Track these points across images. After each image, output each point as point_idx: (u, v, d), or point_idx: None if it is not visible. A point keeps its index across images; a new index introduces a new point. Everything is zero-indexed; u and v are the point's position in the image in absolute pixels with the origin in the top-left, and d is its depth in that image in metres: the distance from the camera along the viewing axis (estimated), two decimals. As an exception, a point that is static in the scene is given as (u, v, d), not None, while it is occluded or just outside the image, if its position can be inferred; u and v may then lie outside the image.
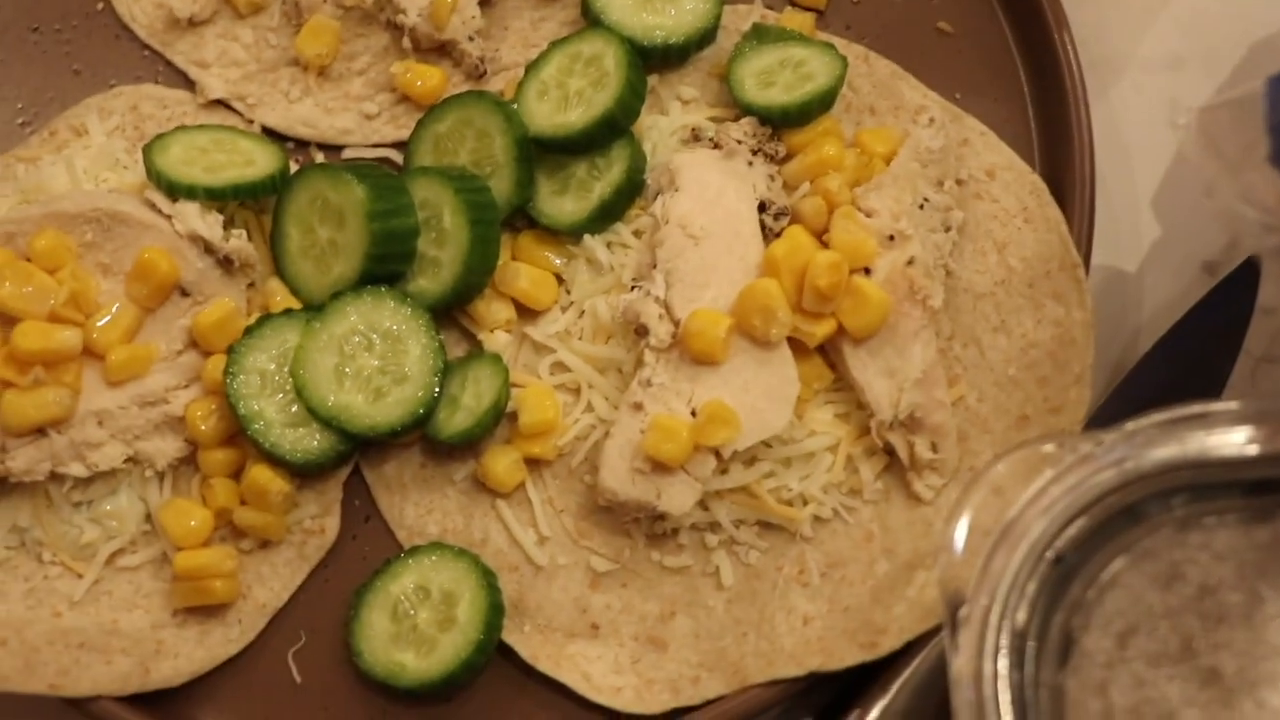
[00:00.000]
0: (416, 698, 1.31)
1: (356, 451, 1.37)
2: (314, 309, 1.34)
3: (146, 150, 1.37)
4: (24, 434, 1.31)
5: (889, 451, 1.33)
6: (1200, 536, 1.08)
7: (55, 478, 1.33)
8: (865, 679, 1.29)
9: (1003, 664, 1.03)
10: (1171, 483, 1.08)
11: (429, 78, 1.46)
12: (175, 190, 1.35)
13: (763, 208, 1.35)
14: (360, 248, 1.33)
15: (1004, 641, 1.04)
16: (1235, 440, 1.08)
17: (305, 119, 1.49)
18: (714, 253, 1.32)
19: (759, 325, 1.28)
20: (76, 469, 1.32)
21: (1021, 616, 1.05)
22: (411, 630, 1.30)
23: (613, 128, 1.37)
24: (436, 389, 1.32)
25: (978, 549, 1.07)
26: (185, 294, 1.35)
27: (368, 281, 1.34)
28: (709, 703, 1.30)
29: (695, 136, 1.41)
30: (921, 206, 1.34)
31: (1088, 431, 1.12)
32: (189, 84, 1.51)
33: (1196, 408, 1.08)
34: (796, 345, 1.31)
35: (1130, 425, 1.08)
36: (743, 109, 1.40)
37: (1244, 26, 1.50)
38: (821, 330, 1.30)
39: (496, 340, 1.38)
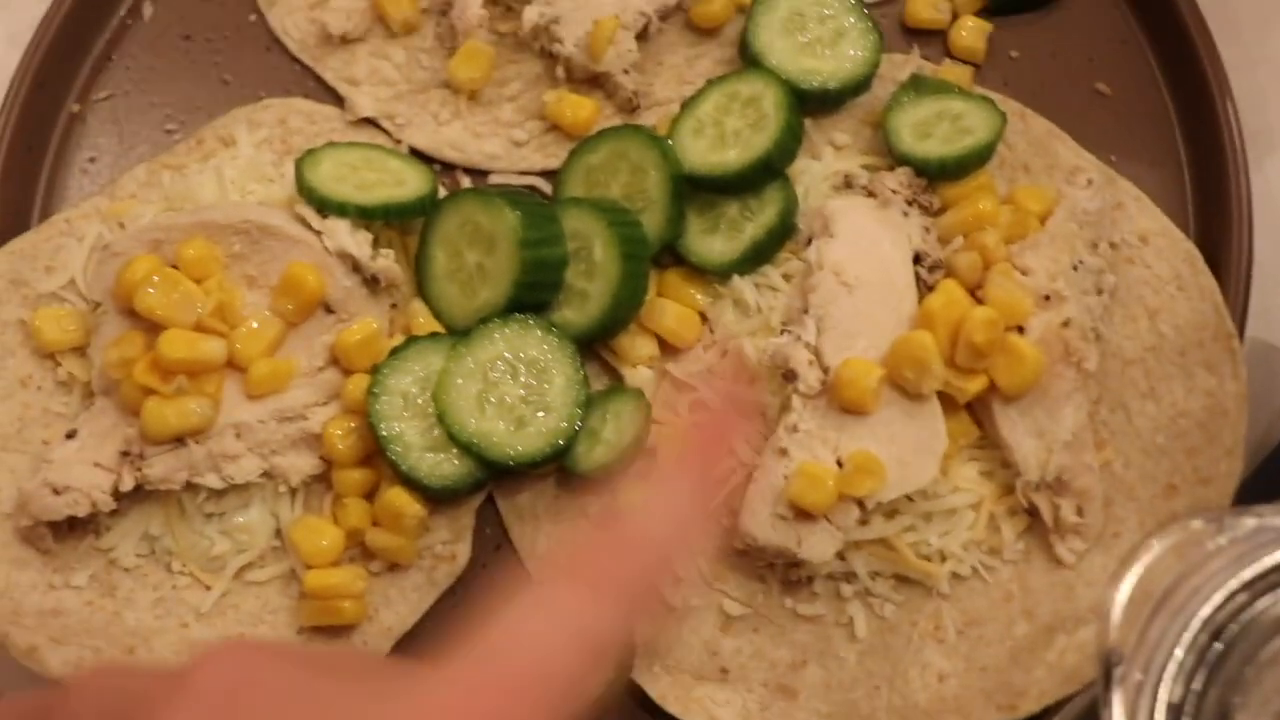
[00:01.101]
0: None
1: (491, 480, 1.36)
2: (457, 333, 1.34)
3: (298, 164, 1.37)
4: (163, 442, 1.30)
5: (1031, 512, 1.32)
6: (1363, 619, 1.06)
7: (189, 488, 1.32)
8: (998, 741, 1.27)
9: (1159, 735, 1.02)
10: (1336, 563, 1.06)
11: (581, 108, 1.46)
12: (326, 206, 1.35)
13: (917, 259, 1.34)
14: (509, 274, 1.32)
15: (1159, 710, 1.03)
16: (1401, 521, 1.06)
17: (453, 142, 1.49)
18: (868, 302, 1.31)
19: (911, 378, 1.27)
20: (212, 480, 1.31)
21: (1179, 689, 1.03)
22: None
23: (769, 170, 1.36)
24: (579, 421, 1.31)
25: (1134, 617, 1.06)
26: (330, 311, 1.35)
27: (513, 309, 1.33)
28: (839, 756, 1.29)
29: (848, 183, 1.40)
30: (1076, 268, 1.32)
31: (1245, 506, 1.10)
32: (338, 100, 1.51)
33: (1363, 487, 1.07)
34: (945, 400, 1.30)
35: (1295, 503, 1.07)
36: (898, 159, 1.39)
37: None
38: (973, 387, 1.28)
39: (639, 376, 1.37)
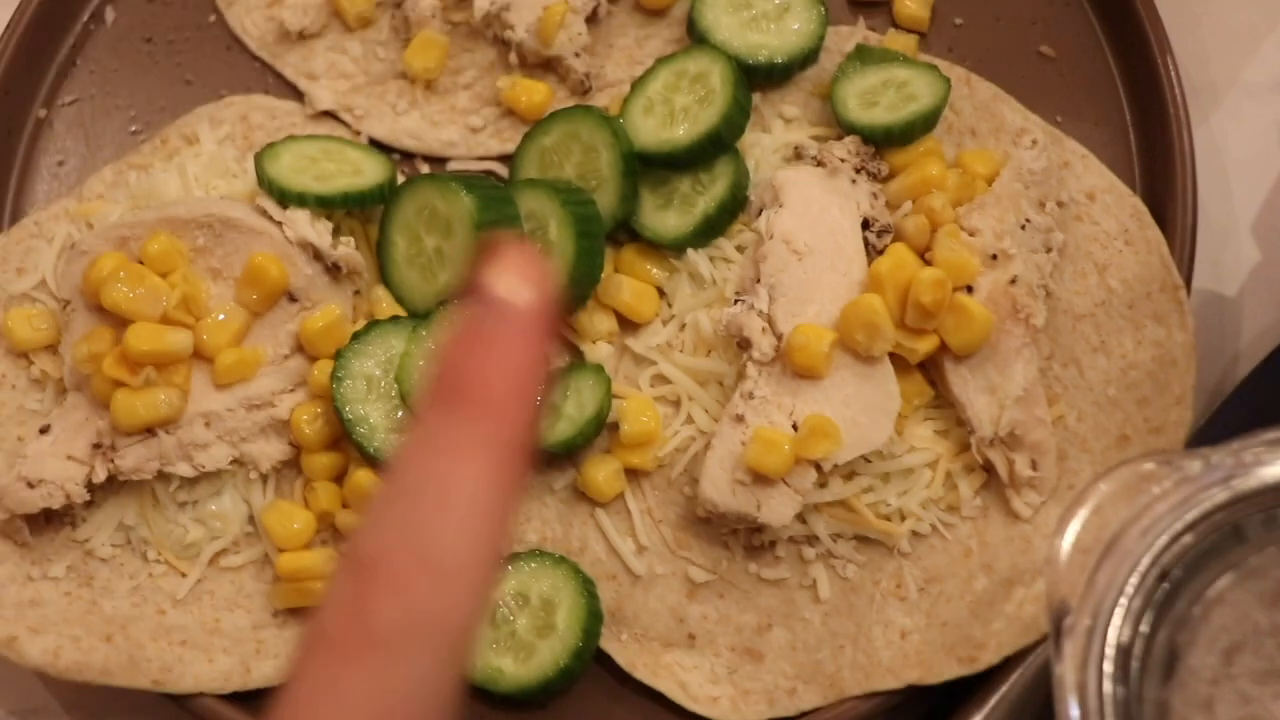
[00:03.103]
0: (514, 704, 1.32)
1: (458, 458, 1.38)
2: (420, 317, 1.36)
3: (258, 158, 1.39)
4: (134, 433, 1.33)
5: (988, 469, 1.34)
6: (1308, 556, 1.08)
7: (162, 477, 1.35)
8: (961, 695, 1.29)
9: (1107, 676, 1.04)
10: (1278, 501, 1.08)
11: (535, 93, 1.49)
12: (286, 197, 1.37)
13: (866, 225, 1.36)
14: (467, 257, 1.35)
15: (1109, 655, 1.04)
16: (1344, 460, 1.08)
17: (411, 131, 1.51)
18: (818, 268, 1.33)
19: (862, 340, 1.29)
20: (183, 469, 1.34)
21: (1126, 632, 1.05)
22: (510, 636, 1.31)
23: (718, 144, 1.39)
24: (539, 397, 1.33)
25: (1082, 564, 1.08)
26: (293, 299, 1.37)
27: (473, 291, 1.35)
28: (804, 714, 1.30)
29: (798, 154, 1.42)
30: (1023, 227, 1.34)
31: (1194, 449, 1.12)
32: (298, 95, 1.54)
33: (1306, 428, 1.09)
34: (898, 362, 1.32)
35: (1237, 444, 1.08)
36: (845, 128, 1.41)
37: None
38: (924, 346, 1.31)
39: (598, 351, 1.40)
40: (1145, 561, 1.07)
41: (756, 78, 1.45)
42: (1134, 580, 1.06)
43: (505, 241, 0.65)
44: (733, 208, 1.40)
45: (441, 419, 0.64)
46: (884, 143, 1.40)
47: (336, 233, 1.40)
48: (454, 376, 0.64)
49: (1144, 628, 1.06)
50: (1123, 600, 1.06)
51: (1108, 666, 1.04)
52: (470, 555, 0.63)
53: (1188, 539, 1.07)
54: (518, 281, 0.64)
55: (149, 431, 1.33)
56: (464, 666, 0.65)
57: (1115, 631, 1.05)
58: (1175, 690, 1.05)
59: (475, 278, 0.65)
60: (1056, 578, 1.08)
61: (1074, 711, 1.03)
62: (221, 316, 1.36)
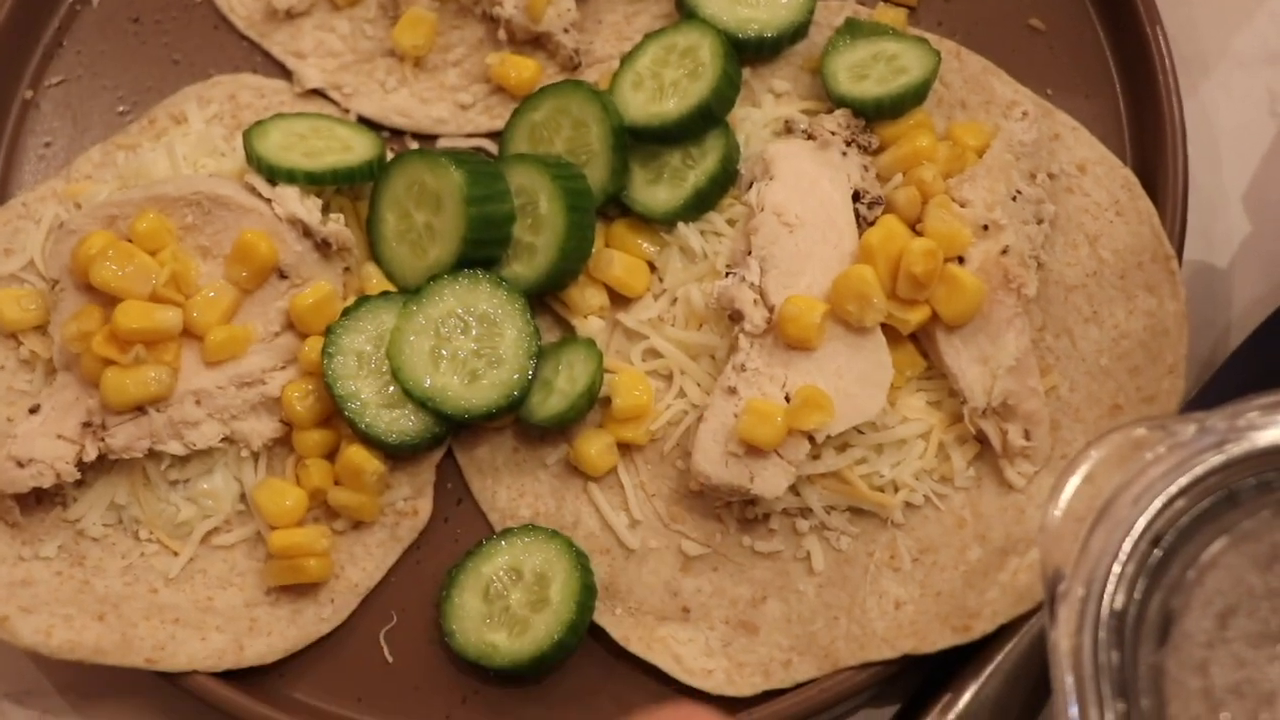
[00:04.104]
0: (508, 678, 1.32)
1: (450, 434, 1.38)
2: (410, 292, 1.36)
3: (247, 135, 1.39)
4: (124, 411, 1.33)
5: (981, 439, 1.34)
6: (1301, 519, 1.08)
7: (153, 456, 1.35)
8: (956, 664, 1.29)
9: (1102, 642, 1.04)
10: (1272, 465, 1.08)
11: (524, 69, 1.48)
12: (275, 174, 1.37)
13: (857, 197, 1.36)
14: (457, 232, 1.34)
15: (1103, 620, 1.04)
16: (1336, 425, 1.08)
17: (400, 108, 1.51)
18: (809, 240, 1.33)
19: (854, 311, 1.29)
20: (174, 447, 1.34)
21: (1121, 597, 1.05)
22: (504, 611, 1.31)
23: (707, 118, 1.39)
24: (531, 372, 1.33)
25: (1075, 531, 1.08)
26: (283, 276, 1.37)
27: (463, 266, 1.35)
28: (800, 686, 1.30)
29: (789, 128, 1.42)
30: (1014, 199, 1.34)
31: (1186, 414, 1.12)
32: (286, 74, 1.54)
33: (1297, 393, 1.09)
34: (890, 333, 1.32)
35: (1230, 408, 1.09)
36: (836, 101, 1.41)
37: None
38: (915, 317, 1.30)
39: (590, 326, 1.40)
40: (1139, 527, 1.07)
41: (746, 52, 1.45)
42: (1127, 546, 1.06)
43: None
44: (723, 181, 1.40)
45: None
46: (874, 116, 1.40)
47: (326, 210, 1.40)
48: None
49: (1138, 593, 1.06)
50: (1116, 566, 1.06)
51: (1102, 633, 1.04)
52: None
53: (1181, 504, 1.08)
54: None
55: (139, 410, 1.33)
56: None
57: (1109, 597, 1.05)
58: (1170, 654, 1.05)
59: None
60: (1050, 545, 1.09)
61: (1068, 678, 1.04)
62: (211, 294, 1.36)
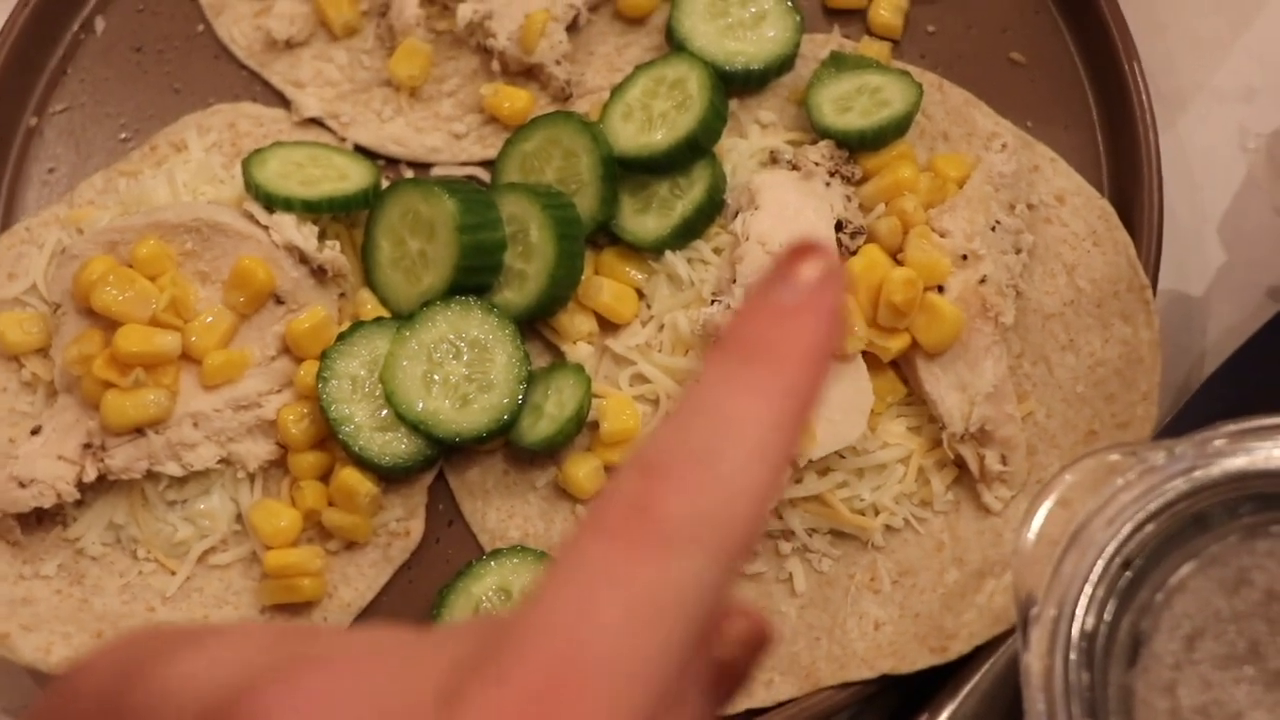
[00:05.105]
0: (496, 695, 1.35)
1: (441, 457, 1.41)
2: (404, 318, 1.39)
3: (245, 164, 1.42)
4: (123, 433, 1.35)
5: (959, 464, 1.37)
6: (1267, 544, 1.10)
7: (151, 477, 1.38)
8: (934, 684, 1.31)
9: (1073, 663, 1.06)
10: (1239, 491, 1.10)
11: (517, 99, 1.52)
12: (272, 202, 1.40)
13: (840, 227, 1.39)
14: (450, 260, 1.37)
15: (1074, 641, 1.07)
16: (1302, 452, 1.11)
17: (396, 137, 1.54)
18: (792, 269, 1.35)
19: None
20: (172, 468, 1.36)
21: (1091, 619, 1.08)
22: (493, 630, 1.34)
23: (695, 148, 1.42)
24: (521, 397, 1.36)
25: (1048, 555, 1.10)
26: (280, 302, 1.40)
27: (456, 293, 1.38)
28: (780, 705, 1.32)
29: (774, 159, 1.45)
30: (993, 229, 1.37)
31: (1158, 440, 1.15)
32: (285, 103, 1.56)
33: (1265, 420, 1.11)
34: (871, 359, 1.35)
35: (1199, 435, 1.11)
36: (820, 133, 1.44)
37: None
38: (896, 345, 1.33)
39: (579, 352, 1.42)
40: (1109, 550, 1.09)
41: (734, 84, 1.48)
42: (1098, 569, 1.09)
43: (810, 247, 0.67)
44: (710, 211, 1.42)
45: (738, 367, 0.65)
46: (858, 147, 1.43)
47: (322, 236, 1.43)
48: (754, 334, 0.66)
49: (1108, 615, 1.09)
50: (1087, 589, 1.09)
51: (1073, 654, 1.07)
52: (755, 480, 0.63)
53: (1150, 528, 1.10)
54: (821, 270, 0.67)
55: (138, 432, 1.36)
56: (735, 582, 0.65)
57: (1080, 619, 1.08)
58: (1139, 676, 1.08)
59: (782, 263, 0.67)
60: (1023, 569, 1.11)
61: (1040, 699, 1.06)
62: (209, 319, 1.38)
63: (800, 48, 1.50)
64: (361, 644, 0.67)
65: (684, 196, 1.43)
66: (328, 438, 1.38)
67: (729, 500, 0.63)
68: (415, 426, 1.35)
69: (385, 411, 1.36)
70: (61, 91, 1.59)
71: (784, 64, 1.49)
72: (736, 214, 1.41)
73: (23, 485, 1.35)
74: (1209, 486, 1.10)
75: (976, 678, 1.31)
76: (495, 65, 1.53)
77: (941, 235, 1.37)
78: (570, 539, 0.64)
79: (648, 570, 0.61)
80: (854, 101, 1.45)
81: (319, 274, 1.41)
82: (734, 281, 1.36)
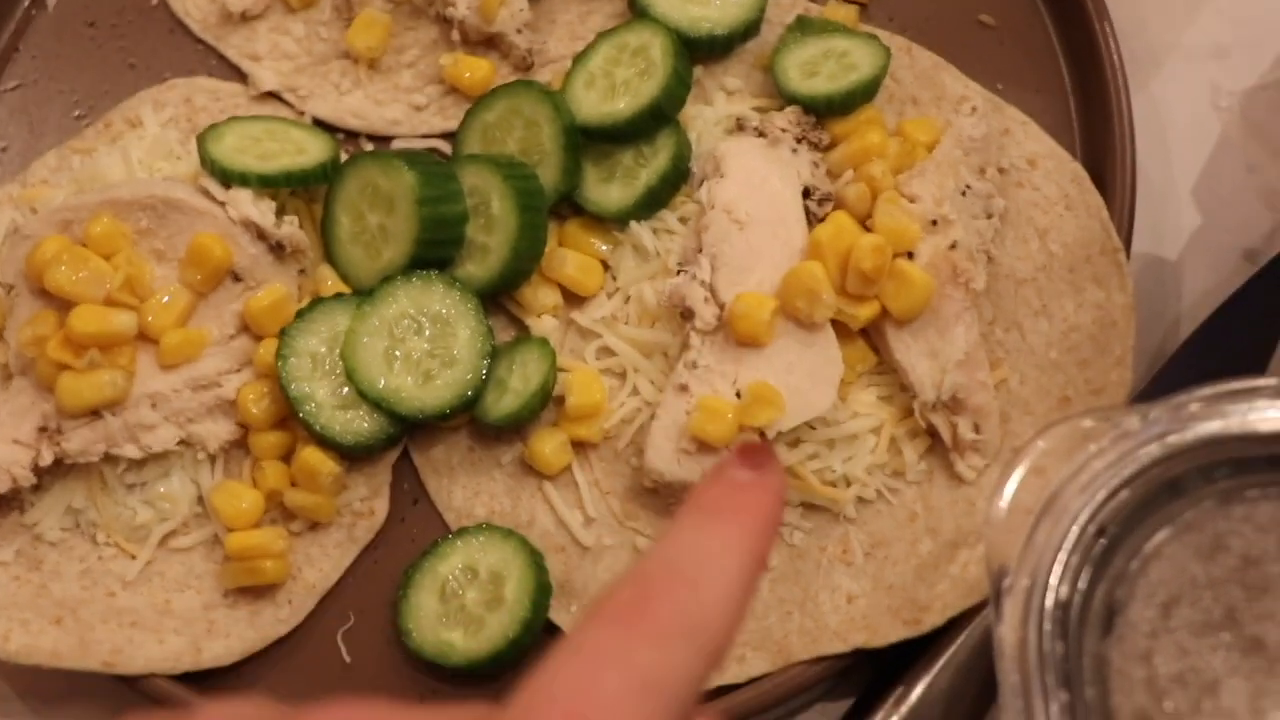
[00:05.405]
0: (464, 677, 1.33)
1: (405, 435, 1.39)
2: (364, 293, 1.37)
3: (200, 139, 1.39)
4: (79, 416, 1.33)
5: (932, 433, 1.35)
6: (1243, 509, 1.09)
7: (109, 460, 1.35)
8: (909, 657, 1.30)
9: (1047, 633, 1.04)
10: (1214, 456, 1.08)
11: (477, 69, 1.49)
12: (229, 177, 1.37)
13: (807, 193, 1.37)
14: (410, 233, 1.35)
15: (1048, 611, 1.05)
16: (1277, 415, 1.09)
17: (355, 110, 1.51)
18: (759, 237, 1.33)
19: (803, 307, 1.30)
20: (130, 450, 1.34)
21: (1065, 588, 1.06)
22: (459, 610, 1.32)
23: (659, 116, 1.39)
24: (484, 372, 1.34)
25: (1021, 523, 1.08)
26: (238, 279, 1.37)
27: (417, 267, 1.36)
28: (753, 680, 1.31)
29: (740, 126, 1.43)
30: (964, 193, 1.35)
31: (1132, 406, 1.13)
32: (241, 77, 1.54)
33: (1240, 383, 1.09)
34: (840, 328, 1.33)
35: (1174, 400, 1.09)
36: (787, 99, 1.42)
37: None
38: (865, 312, 1.31)
39: (543, 325, 1.40)
40: (1083, 518, 1.07)
41: (698, 50, 1.45)
42: (1072, 537, 1.07)
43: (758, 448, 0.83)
44: (675, 179, 1.40)
45: (708, 518, 0.79)
46: (825, 112, 1.41)
47: (281, 212, 1.40)
48: (717, 498, 0.80)
49: (1082, 584, 1.07)
50: (1061, 557, 1.07)
51: (1047, 624, 1.05)
52: (730, 597, 0.76)
53: (1125, 495, 1.08)
54: (769, 459, 0.82)
55: (95, 414, 1.33)
56: (708, 681, 0.82)
57: (1054, 589, 1.06)
58: (1114, 644, 1.06)
59: (737, 452, 0.82)
60: (995, 539, 1.09)
61: (1013, 671, 1.04)
62: (166, 298, 1.36)
63: (766, 12, 1.48)
64: None
65: (648, 166, 1.41)
66: (289, 417, 1.35)
67: (710, 611, 0.75)
68: (377, 404, 1.33)
69: (347, 389, 1.34)
70: (13, 69, 1.56)
71: (749, 29, 1.47)
72: (702, 182, 1.39)
73: (-24, 470, 1.32)
74: (1184, 451, 1.08)
75: (951, 650, 1.29)
76: (455, 35, 1.50)
77: (911, 201, 1.34)
78: (573, 628, 0.75)
79: (645, 653, 0.72)
80: (821, 66, 1.42)
81: (277, 250, 1.39)
82: (700, 251, 1.34)
